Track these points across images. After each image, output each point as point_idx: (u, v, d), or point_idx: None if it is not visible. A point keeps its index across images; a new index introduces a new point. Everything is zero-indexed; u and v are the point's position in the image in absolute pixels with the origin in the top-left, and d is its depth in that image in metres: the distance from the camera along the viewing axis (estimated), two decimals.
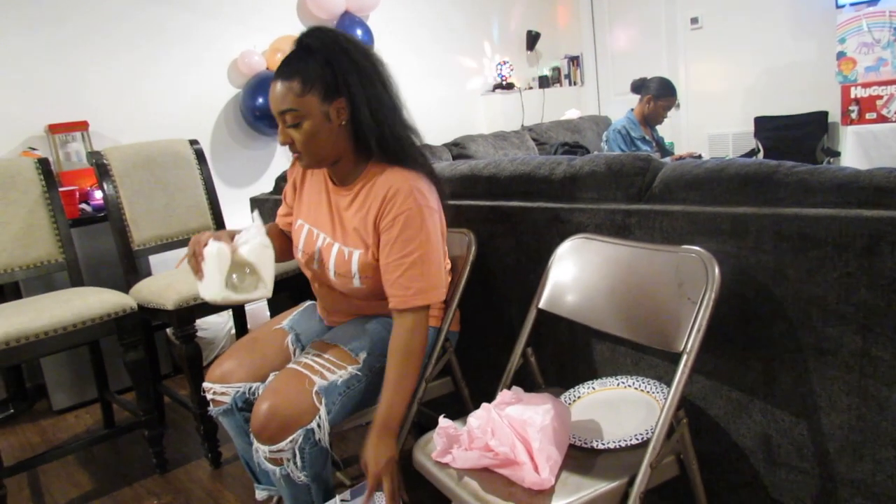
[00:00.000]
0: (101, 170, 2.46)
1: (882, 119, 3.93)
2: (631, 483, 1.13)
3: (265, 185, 4.00)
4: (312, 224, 1.64)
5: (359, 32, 4.19)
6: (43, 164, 2.41)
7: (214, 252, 1.48)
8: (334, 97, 1.42)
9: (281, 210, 1.82)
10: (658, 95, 3.74)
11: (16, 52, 3.15)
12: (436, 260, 1.49)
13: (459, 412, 1.41)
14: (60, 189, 2.57)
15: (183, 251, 3.13)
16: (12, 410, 2.94)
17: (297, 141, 1.44)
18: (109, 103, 3.44)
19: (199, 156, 2.72)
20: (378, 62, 1.49)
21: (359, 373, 1.49)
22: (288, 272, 2.32)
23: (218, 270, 1.48)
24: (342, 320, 1.68)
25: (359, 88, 1.43)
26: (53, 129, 3.17)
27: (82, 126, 3.24)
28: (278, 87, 1.42)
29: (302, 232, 1.66)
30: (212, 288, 1.49)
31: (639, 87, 3.84)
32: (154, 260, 2.96)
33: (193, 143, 2.74)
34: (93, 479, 2.29)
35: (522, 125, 4.50)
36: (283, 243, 1.75)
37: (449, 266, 1.71)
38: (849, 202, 1.15)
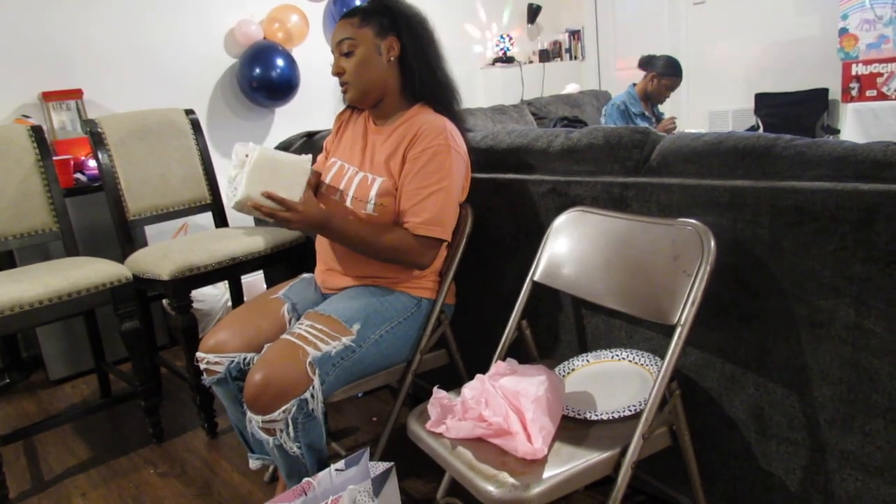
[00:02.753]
0: (96, 138, 2.44)
1: (882, 97, 3.91)
2: (623, 453, 1.14)
3: None
4: (346, 161, 1.70)
5: (357, 3, 4.14)
6: (36, 132, 2.38)
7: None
8: (387, 34, 1.59)
9: (319, 158, 1.85)
10: (663, 74, 3.71)
11: (9, 19, 3.11)
12: (451, 200, 1.56)
13: (454, 384, 1.41)
14: (55, 158, 2.55)
15: (178, 222, 3.13)
16: (8, 380, 2.95)
17: (347, 70, 1.60)
18: (104, 71, 3.40)
19: (195, 126, 2.70)
20: (428, 21, 1.67)
21: (353, 344, 1.49)
22: (284, 243, 2.32)
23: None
24: (340, 283, 1.68)
25: (410, 33, 1.61)
26: (47, 96, 3.13)
27: (77, 94, 3.20)
28: (340, 23, 1.61)
29: (333, 168, 1.72)
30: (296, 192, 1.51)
31: (646, 63, 3.80)
32: (150, 231, 2.96)
33: (189, 112, 2.71)
34: (89, 448, 2.31)
35: (522, 99, 4.46)
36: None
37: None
38: (846, 176, 1.14)
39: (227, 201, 1.53)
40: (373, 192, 1.59)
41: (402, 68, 1.63)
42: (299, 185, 1.50)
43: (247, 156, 1.49)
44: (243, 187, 1.45)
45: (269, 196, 1.46)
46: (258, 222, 2.76)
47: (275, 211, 1.47)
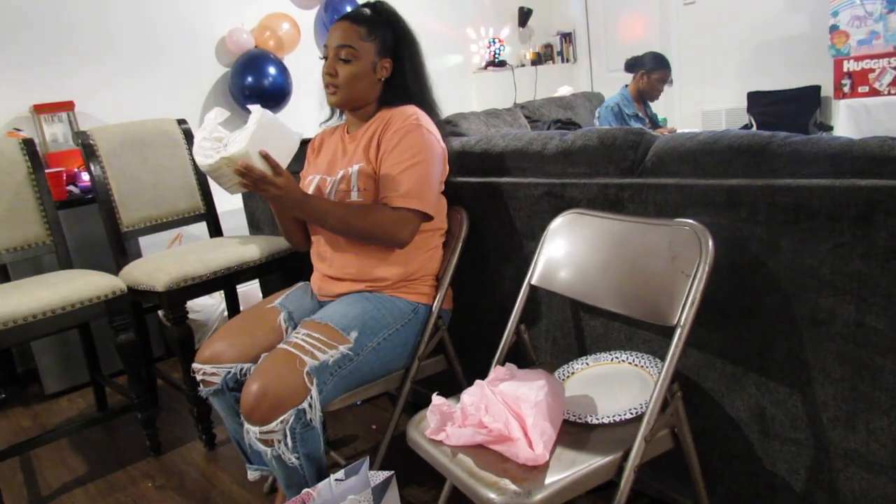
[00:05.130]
0: (88, 150, 2.42)
1: (874, 92, 3.91)
2: (625, 457, 1.13)
3: None
4: (325, 173, 1.71)
5: (348, 10, 4.13)
6: (28, 145, 2.36)
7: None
8: (385, 55, 1.65)
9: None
10: (651, 69, 3.72)
11: (0, 32, 3.10)
12: (429, 174, 1.58)
13: (453, 390, 1.40)
14: (47, 170, 2.53)
15: (172, 233, 3.12)
16: (4, 395, 2.93)
17: (341, 75, 1.62)
18: (96, 83, 3.39)
19: (188, 135, 2.69)
20: (420, 46, 1.71)
21: (350, 352, 1.48)
22: (280, 252, 2.30)
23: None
24: (336, 290, 1.67)
25: (406, 58, 1.67)
26: (39, 109, 3.12)
27: (68, 106, 3.18)
28: (346, 24, 1.62)
29: (314, 182, 1.72)
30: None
31: (632, 65, 3.82)
32: (144, 242, 2.94)
33: (181, 122, 2.70)
34: (86, 462, 2.29)
35: (515, 103, 4.45)
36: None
37: (443, 238, 1.71)
38: (842, 172, 1.14)
39: (203, 160, 1.50)
40: (353, 179, 1.61)
41: (387, 85, 1.68)
42: (288, 156, 1.53)
43: (215, 125, 1.53)
44: (243, 144, 1.43)
45: (266, 156, 1.45)
46: (252, 229, 2.74)
47: (264, 175, 1.45)
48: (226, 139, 1.52)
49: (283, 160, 1.51)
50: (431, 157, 1.59)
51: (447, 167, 1.70)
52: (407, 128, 1.58)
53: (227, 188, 1.55)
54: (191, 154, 2.66)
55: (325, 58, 1.65)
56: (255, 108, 1.50)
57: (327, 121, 1.85)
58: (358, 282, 1.64)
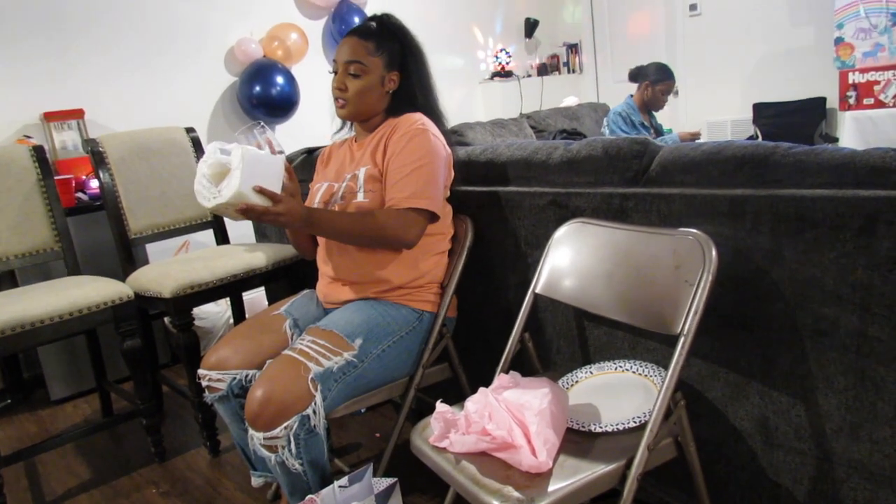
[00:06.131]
0: (97, 157, 2.44)
1: (880, 104, 3.92)
2: (628, 465, 1.13)
3: None
4: (333, 180, 1.74)
5: (356, 20, 4.17)
6: (38, 152, 2.39)
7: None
8: (393, 68, 1.69)
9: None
10: (656, 80, 3.74)
11: (11, 40, 3.13)
12: (434, 176, 1.60)
13: (457, 397, 1.40)
14: (56, 177, 2.56)
15: (179, 240, 3.13)
16: (10, 401, 2.94)
17: (350, 89, 1.66)
18: (105, 91, 3.42)
19: (196, 143, 2.71)
20: (426, 57, 1.75)
21: (354, 359, 1.49)
22: (286, 259, 2.32)
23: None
24: (342, 296, 1.68)
25: (413, 71, 1.71)
26: (49, 116, 3.15)
27: (78, 114, 3.22)
28: (354, 40, 1.66)
29: (322, 189, 1.75)
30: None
31: (636, 75, 3.84)
32: (151, 249, 2.96)
33: (190, 130, 2.73)
34: (91, 468, 2.29)
35: (521, 113, 4.47)
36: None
37: (450, 245, 1.72)
38: (846, 182, 1.14)
39: (205, 202, 1.49)
40: (360, 181, 1.64)
41: (394, 96, 1.71)
42: (279, 179, 1.53)
43: (216, 155, 1.51)
44: (237, 186, 1.43)
45: (261, 191, 1.45)
46: (258, 236, 2.76)
47: (266, 209, 1.45)
48: (224, 181, 1.51)
49: (276, 185, 1.51)
50: (436, 160, 1.61)
51: (452, 172, 1.73)
52: (413, 132, 1.60)
53: (231, 219, 1.57)
54: (198, 161, 2.68)
55: (335, 72, 1.68)
56: (234, 147, 1.48)
57: (338, 131, 1.87)
58: (363, 285, 1.65)
